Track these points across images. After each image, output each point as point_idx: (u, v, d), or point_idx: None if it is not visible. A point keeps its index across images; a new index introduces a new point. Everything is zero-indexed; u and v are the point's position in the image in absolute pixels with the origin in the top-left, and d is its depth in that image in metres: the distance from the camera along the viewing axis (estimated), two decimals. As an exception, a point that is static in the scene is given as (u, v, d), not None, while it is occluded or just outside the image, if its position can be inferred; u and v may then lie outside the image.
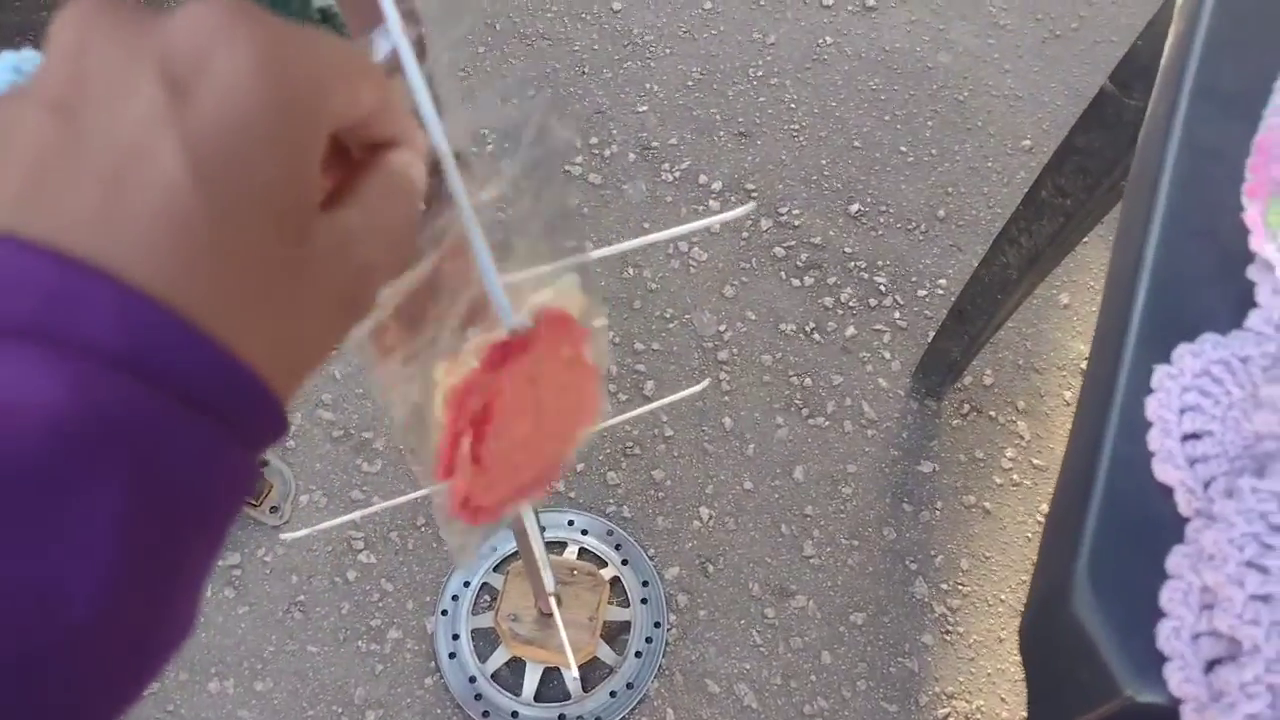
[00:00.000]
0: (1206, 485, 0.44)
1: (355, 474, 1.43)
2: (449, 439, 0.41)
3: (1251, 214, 0.49)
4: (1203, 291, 0.51)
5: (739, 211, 0.61)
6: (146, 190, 0.18)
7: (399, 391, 0.40)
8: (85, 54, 0.18)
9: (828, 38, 1.92)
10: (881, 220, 1.68)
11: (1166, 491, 0.45)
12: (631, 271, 1.62)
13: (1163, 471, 0.45)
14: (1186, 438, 0.46)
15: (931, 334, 1.55)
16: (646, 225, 1.67)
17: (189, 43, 0.18)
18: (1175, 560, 0.42)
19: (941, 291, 1.60)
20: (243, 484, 0.21)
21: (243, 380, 0.20)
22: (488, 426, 0.42)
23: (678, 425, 1.47)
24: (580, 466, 1.43)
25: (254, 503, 1.37)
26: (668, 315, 1.57)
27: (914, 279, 1.62)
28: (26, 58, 0.37)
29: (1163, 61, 0.62)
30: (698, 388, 0.81)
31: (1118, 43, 1.92)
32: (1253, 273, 0.49)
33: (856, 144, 1.78)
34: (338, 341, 0.24)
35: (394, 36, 0.32)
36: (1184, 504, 0.44)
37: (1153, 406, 0.49)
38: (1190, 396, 0.47)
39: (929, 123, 1.81)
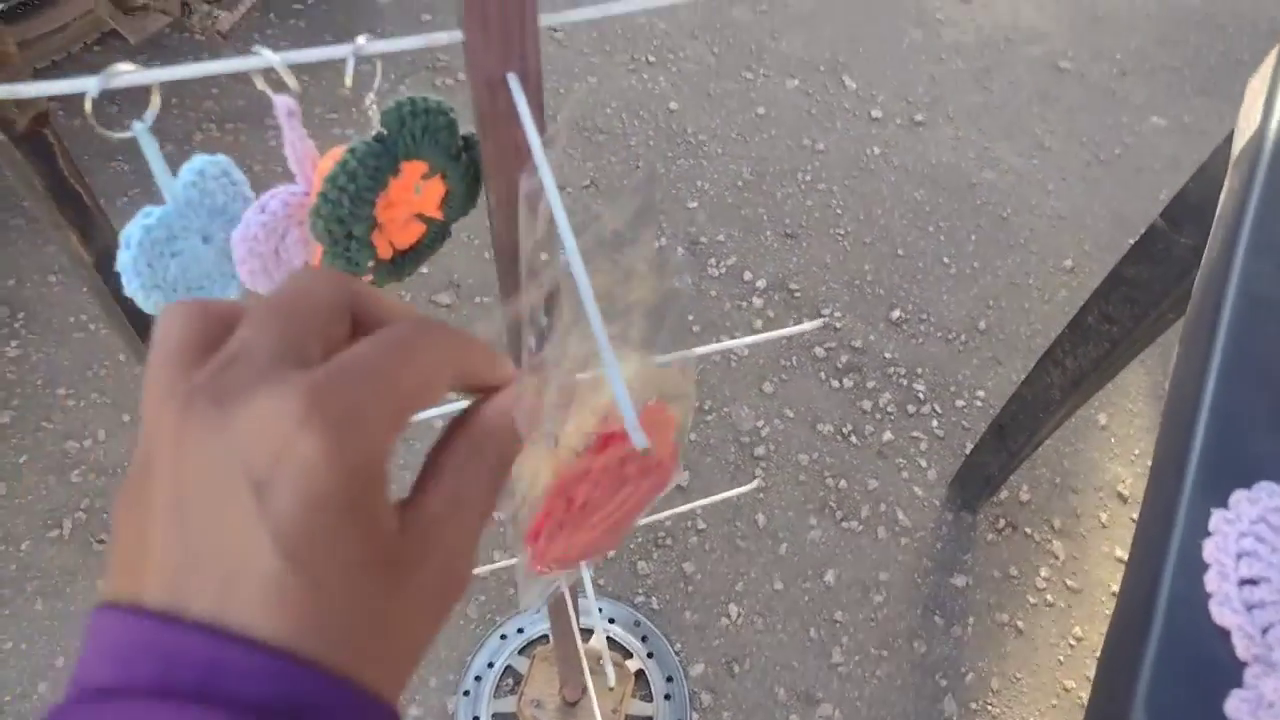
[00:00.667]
0: (1265, 631, 0.45)
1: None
2: (545, 512, 0.44)
3: (1309, 366, 0.51)
4: (1259, 438, 0.52)
5: (809, 326, 0.63)
6: (254, 580, 0.21)
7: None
8: (182, 461, 0.22)
9: (875, 148, 1.98)
10: (922, 328, 1.71)
11: (1224, 634, 0.46)
12: (673, 363, 1.64)
13: (1220, 615, 0.46)
14: (1243, 582, 0.47)
15: (969, 445, 1.55)
16: (691, 318, 1.70)
17: (264, 445, 0.22)
18: (1234, 704, 0.43)
19: (980, 403, 1.61)
20: None
21: (368, 705, 0.22)
22: (580, 502, 0.45)
23: (711, 519, 1.48)
24: (611, 554, 1.44)
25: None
26: (706, 408, 1.59)
27: (953, 389, 1.63)
28: (215, 162, 0.40)
29: (1218, 211, 0.64)
30: (747, 488, 0.82)
31: (1160, 171, 1.96)
32: (1311, 422, 0.50)
33: (900, 252, 1.81)
34: (445, 620, 0.26)
35: (541, 173, 0.36)
36: (1242, 648, 0.45)
37: (1210, 549, 0.50)
38: (1247, 542, 0.48)
39: (972, 236, 1.84)
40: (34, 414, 1.54)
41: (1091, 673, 1.36)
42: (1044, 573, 1.45)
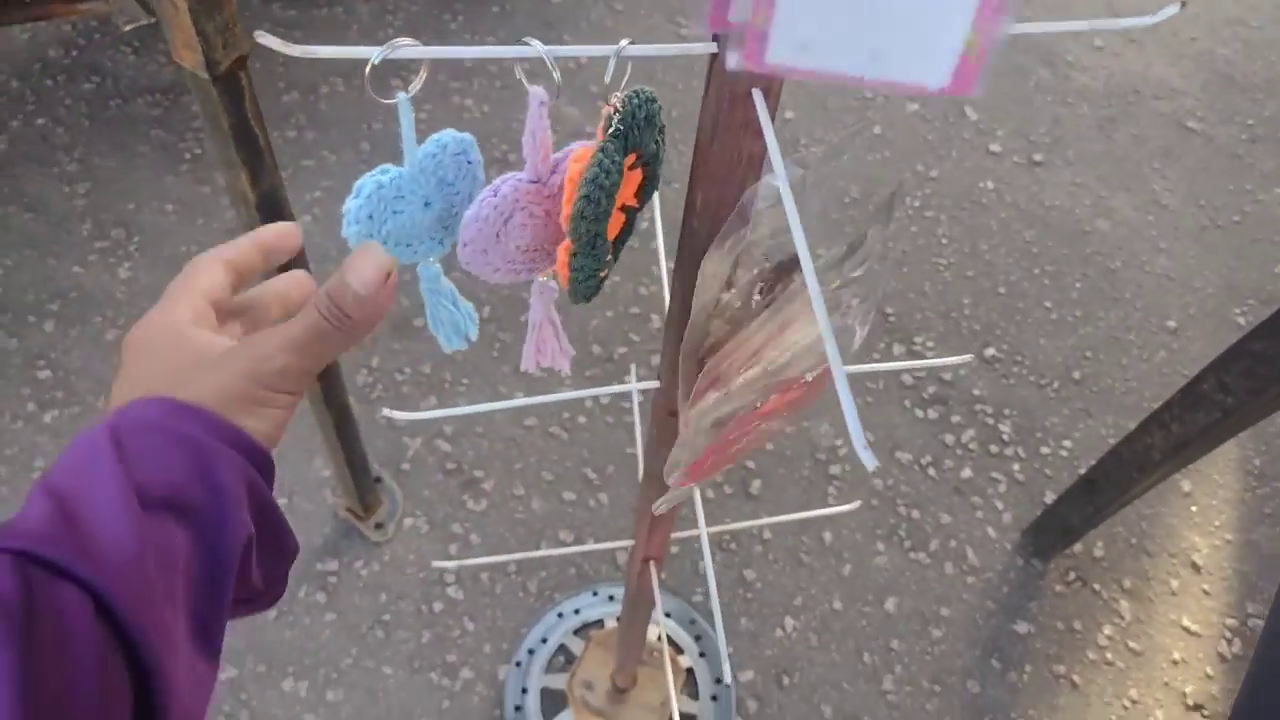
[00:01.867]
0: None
1: (460, 509, 1.47)
2: (716, 445, 0.51)
3: None
4: None
5: (957, 360, 0.64)
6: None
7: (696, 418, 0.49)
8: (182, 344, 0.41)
9: (989, 183, 1.95)
10: (1015, 370, 1.68)
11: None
12: (758, 370, 1.64)
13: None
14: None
15: (1048, 493, 1.53)
16: (780, 328, 1.70)
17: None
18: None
19: (1065, 453, 1.59)
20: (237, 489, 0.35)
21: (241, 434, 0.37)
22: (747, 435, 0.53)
23: (777, 530, 1.48)
24: (675, 550, 1.45)
25: (361, 516, 1.42)
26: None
27: (1039, 435, 1.61)
28: (460, 139, 0.42)
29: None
30: (846, 508, 0.82)
31: (1278, 244, 1.91)
32: None
33: (1001, 290, 1.79)
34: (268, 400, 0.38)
35: (779, 178, 0.37)
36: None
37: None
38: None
39: (1077, 284, 1.81)
40: (141, 333, 1.60)
41: (1147, 742, 1.33)
42: (1107, 631, 1.42)
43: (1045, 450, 1.59)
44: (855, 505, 0.85)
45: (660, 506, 0.62)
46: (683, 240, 0.50)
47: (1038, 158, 1.99)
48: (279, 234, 0.46)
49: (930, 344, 1.70)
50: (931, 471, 1.55)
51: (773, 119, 0.46)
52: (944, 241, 1.85)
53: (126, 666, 0.29)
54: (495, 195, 0.42)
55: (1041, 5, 2.29)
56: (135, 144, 1.86)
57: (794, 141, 1.97)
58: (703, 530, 0.70)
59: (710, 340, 0.53)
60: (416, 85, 0.38)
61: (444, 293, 0.49)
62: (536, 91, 0.39)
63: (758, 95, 0.44)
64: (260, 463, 0.37)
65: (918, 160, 1.96)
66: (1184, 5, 0.48)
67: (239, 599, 0.37)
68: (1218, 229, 1.93)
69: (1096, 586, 1.46)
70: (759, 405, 0.48)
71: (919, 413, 1.62)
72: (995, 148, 2.00)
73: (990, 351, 1.70)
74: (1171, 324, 1.77)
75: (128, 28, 1.88)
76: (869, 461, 0.38)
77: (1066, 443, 1.60)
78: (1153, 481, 1.26)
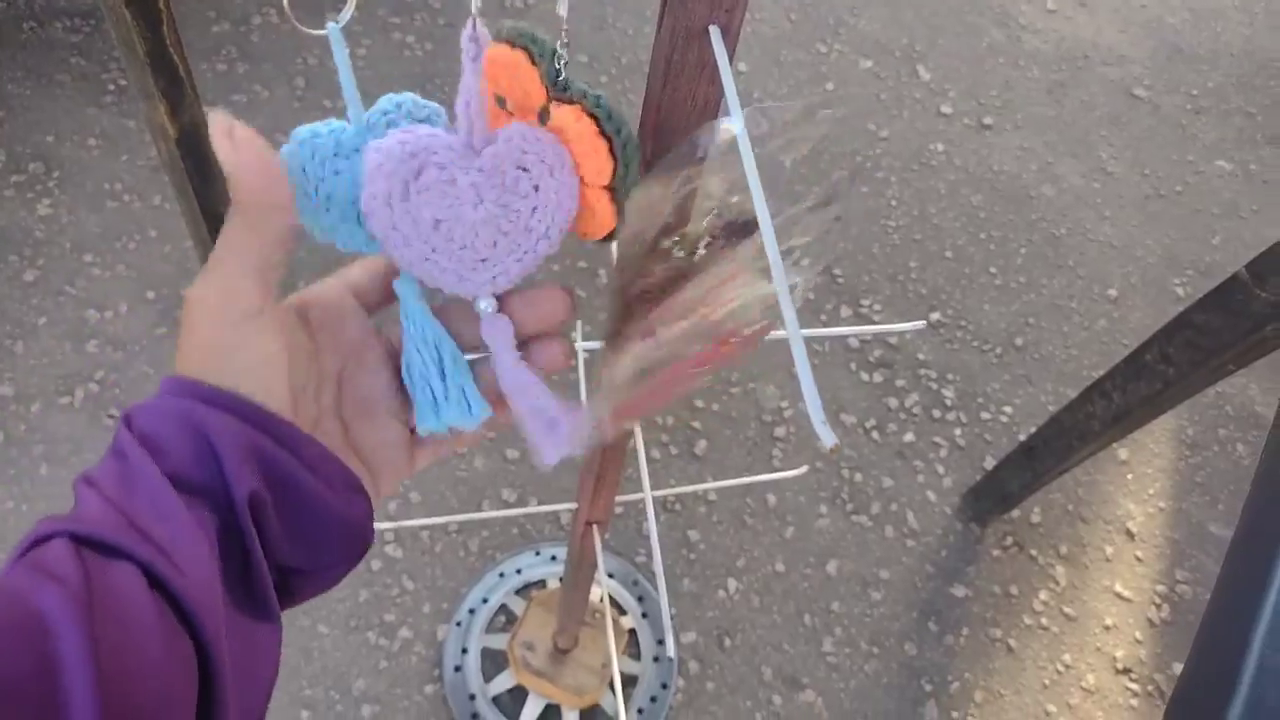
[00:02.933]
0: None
1: (399, 466, 1.43)
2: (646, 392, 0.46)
3: None
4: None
5: (908, 326, 0.62)
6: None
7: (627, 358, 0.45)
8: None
9: (939, 145, 1.94)
10: (959, 335, 1.69)
11: (1320, 717, 0.45)
12: (706, 329, 1.62)
13: (1319, 696, 0.45)
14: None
15: (988, 458, 1.55)
16: (729, 287, 1.68)
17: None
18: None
19: (1005, 419, 1.60)
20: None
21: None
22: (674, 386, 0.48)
23: (722, 492, 1.47)
24: (620, 510, 1.43)
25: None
26: (732, 380, 1.58)
27: (980, 400, 1.62)
28: (424, 105, 0.38)
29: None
30: (795, 473, 0.81)
31: (1218, 215, 1.94)
32: None
33: (948, 254, 1.79)
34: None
35: (735, 121, 0.34)
36: (1338, 735, 0.44)
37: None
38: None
39: (1022, 250, 1.82)
40: (58, 277, 1.51)
41: (1075, 700, 1.37)
42: (1043, 596, 1.45)
43: (986, 416, 1.60)
44: (802, 470, 0.84)
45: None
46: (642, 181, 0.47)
47: (988, 120, 1.99)
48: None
49: (877, 307, 1.70)
50: (875, 435, 1.56)
51: (731, 60, 0.42)
52: (893, 204, 1.84)
53: (188, 635, 0.30)
54: (411, 136, 0.35)
55: (997, -35, 2.27)
56: (53, 71, 1.75)
57: (747, 94, 1.93)
58: (648, 495, 0.67)
59: (644, 285, 0.49)
60: (347, 13, 0.33)
61: (426, 336, 0.40)
62: (471, 36, 0.34)
63: (715, 32, 0.41)
64: (261, 422, 0.34)
65: (869, 119, 1.94)
66: None
67: (290, 571, 0.36)
68: (1160, 198, 1.95)
69: (1033, 552, 1.49)
70: (688, 358, 0.45)
71: (864, 376, 1.61)
72: (946, 109, 1.99)
73: (935, 316, 1.70)
74: (1112, 293, 1.79)
75: (42, -54, 1.76)
76: (827, 439, 0.35)
77: (1007, 409, 1.61)
78: (1092, 450, 1.27)
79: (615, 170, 0.48)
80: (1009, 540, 1.49)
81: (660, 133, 0.46)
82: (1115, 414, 1.17)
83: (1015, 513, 1.50)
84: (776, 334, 0.48)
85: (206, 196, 0.79)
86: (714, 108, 0.45)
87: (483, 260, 0.39)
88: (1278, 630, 0.49)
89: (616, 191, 0.54)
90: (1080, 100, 2.07)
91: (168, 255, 1.56)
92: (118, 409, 1.41)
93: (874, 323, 1.67)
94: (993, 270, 1.78)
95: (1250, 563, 0.55)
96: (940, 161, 1.92)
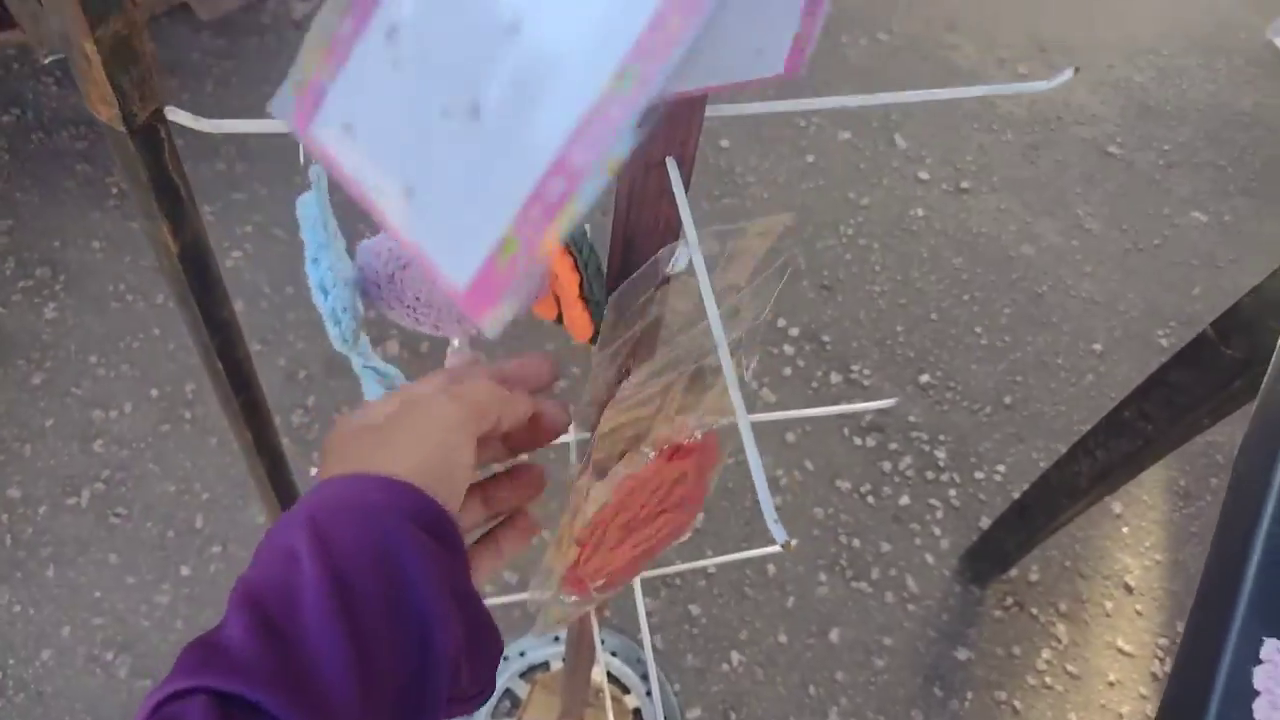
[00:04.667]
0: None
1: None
2: (597, 523, 0.51)
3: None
4: (1324, 585, 0.53)
5: (882, 404, 0.65)
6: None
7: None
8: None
9: (919, 210, 1.99)
10: (948, 396, 1.72)
11: (1279, 780, 0.47)
12: (699, 401, 1.65)
13: (1276, 758, 0.47)
14: (1301, 728, 0.48)
15: (984, 518, 1.56)
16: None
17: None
18: None
19: (999, 478, 1.62)
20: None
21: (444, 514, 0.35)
22: (627, 518, 0.53)
23: (721, 564, 1.48)
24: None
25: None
26: (728, 450, 1.60)
27: (973, 460, 1.64)
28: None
29: (1274, 358, 0.65)
30: (772, 549, 0.83)
31: (1196, 266, 1.98)
32: (1377, 579, 0.51)
33: (933, 317, 1.83)
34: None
35: (692, 248, 0.38)
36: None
37: (1260, 677, 0.51)
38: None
39: (1006, 309, 1.86)
40: (64, 378, 1.55)
41: (1084, 762, 1.36)
42: (1045, 655, 1.45)
43: (980, 475, 1.62)
44: (778, 548, 0.86)
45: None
46: (609, 303, 0.51)
47: (965, 184, 2.04)
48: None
49: (867, 371, 1.73)
50: (870, 499, 1.58)
51: (687, 187, 0.46)
52: (877, 269, 1.88)
53: None
54: (391, 240, 0.43)
55: (969, 37, 2.35)
56: (59, 178, 1.81)
57: (730, 169, 1.99)
58: (635, 579, 0.69)
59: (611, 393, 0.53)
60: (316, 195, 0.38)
61: (380, 370, 0.50)
62: None
63: (671, 163, 0.45)
64: (455, 544, 0.35)
65: (850, 188, 2.00)
66: (1076, 71, 0.50)
67: (449, 698, 0.34)
68: (1139, 252, 1.99)
69: (1034, 611, 1.49)
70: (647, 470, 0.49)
71: (857, 440, 1.64)
72: (924, 175, 2.04)
73: (924, 378, 1.73)
74: (1098, 347, 1.83)
75: (48, 59, 1.83)
76: (779, 536, 0.38)
77: (1000, 467, 1.63)
78: (1082, 506, 1.29)
79: (581, 282, 0.52)
80: (1009, 600, 1.50)
81: (629, 250, 0.49)
82: (1100, 470, 1.20)
83: (1013, 572, 1.51)
84: (725, 420, 0.52)
85: (207, 303, 0.83)
86: (675, 228, 0.49)
87: (456, 321, 0.50)
88: (1233, 690, 0.52)
89: (588, 301, 0.58)
90: (1055, 160, 2.13)
91: (171, 353, 1.60)
92: (124, 508, 1.43)
93: (864, 388, 1.70)
94: (978, 330, 1.82)
95: (1206, 625, 0.57)
96: (921, 226, 1.96)
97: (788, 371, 1.71)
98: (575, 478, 0.51)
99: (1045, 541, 1.51)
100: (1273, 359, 0.69)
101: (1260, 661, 0.52)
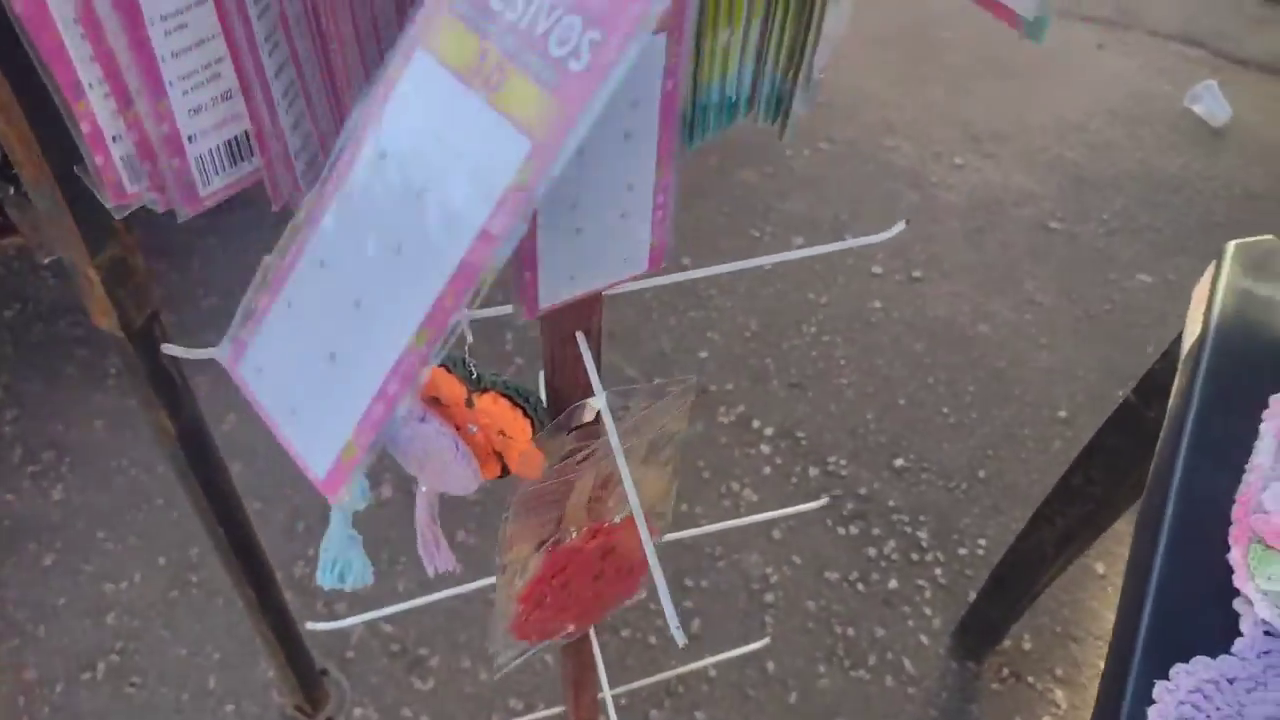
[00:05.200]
0: (1204, 801, 0.52)
1: (408, 691, 1.48)
2: (537, 579, 0.59)
3: (1235, 555, 0.58)
4: (1198, 618, 0.60)
5: (812, 505, 0.72)
6: None
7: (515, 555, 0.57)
8: None
9: (877, 302, 2.09)
10: (924, 477, 1.78)
11: (1170, 803, 0.52)
12: (684, 507, 1.71)
13: (1165, 783, 0.53)
14: (1185, 753, 0.54)
15: (972, 593, 1.60)
16: (701, 464, 1.78)
17: None
18: None
19: (982, 551, 1.67)
20: None
21: None
22: (564, 581, 0.61)
23: (721, 665, 1.52)
24: (624, 701, 1.48)
25: (309, 713, 1.43)
26: (717, 554, 1.66)
27: (955, 537, 1.69)
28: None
29: (1169, 407, 0.73)
30: (756, 646, 0.89)
31: (1148, 326, 2.07)
32: (1238, 605, 0.58)
33: (901, 402, 1.90)
34: None
35: (600, 405, 0.47)
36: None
37: (1153, 717, 0.57)
38: (1185, 709, 0.55)
39: (970, 388, 1.94)
40: (75, 557, 1.61)
41: (1099, 827, 1.37)
42: (1049, 723, 1.48)
43: (963, 551, 1.67)
44: (764, 642, 0.91)
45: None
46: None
47: (917, 274, 2.15)
48: None
49: (843, 462, 1.79)
50: (860, 586, 1.62)
51: (596, 355, 0.55)
52: (842, 363, 1.97)
53: None
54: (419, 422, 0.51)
55: (906, 136, 2.50)
56: (60, 365, 1.91)
57: (693, 285, 2.09)
58: (607, 693, 0.75)
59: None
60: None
61: (351, 535, 0.57)
62: None
63: (580, 337, 0.54)
64: None
65: (809, 289, 2.10)
66: (908, 223, 0.60)
67: None
68: (1090, 319, 2.08)
69: (1030, 679, 1.52)
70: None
71: (840, 530, 1.69)
72: (877, 269, 2.15)
73: (899, 462, 1.80)
74: (1062, 414, 1.90)
75: (46, 260, 1.96)
76: (679, 639, 0.46)
77: (982, 541, 1.68)
78: (1055, 572, 1.34)
79: (534, 428, 0.60)
80: (1005, 671, 1.53)
81: (556, 403, 0.58)
82: (1062, 536, 1.25)
83: (1006, 642, 1.55)
84: (656, 541, 0.59)
85: (206, 477, 0.92)
86: (590, 387, 0.58)
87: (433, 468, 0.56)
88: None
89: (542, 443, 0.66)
90: (999, 241, 2.25)
91: (175, 521, 1.67)
92: (139, 676, 1.48)
93: (842, 478, 1.77)
94: (945, 410, 1.89)
95: (1113, 670, 0.63)
96: (880, 317, 2.06)
97: (766, 471, 1.77)
98: (507, 550, 0.58)
99: (1033, 609, 1.55)
100: (1166, 417, 0.76)
101: (1153, 702, 0.58)
